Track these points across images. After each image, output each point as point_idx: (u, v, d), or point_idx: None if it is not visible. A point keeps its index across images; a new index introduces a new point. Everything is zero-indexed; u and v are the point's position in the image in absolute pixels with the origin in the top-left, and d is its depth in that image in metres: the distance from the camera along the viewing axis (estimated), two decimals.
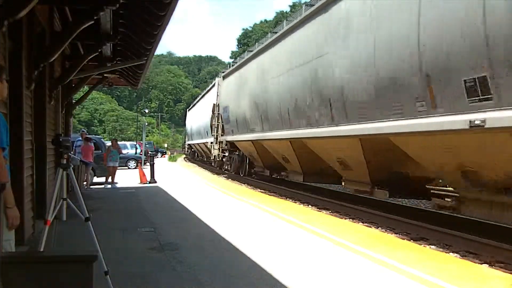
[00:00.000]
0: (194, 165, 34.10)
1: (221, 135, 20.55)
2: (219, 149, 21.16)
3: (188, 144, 42.21)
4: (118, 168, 16.30)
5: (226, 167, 21.08)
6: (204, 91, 31.05)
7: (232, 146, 19.13)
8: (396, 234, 7.47)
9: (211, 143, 22.33)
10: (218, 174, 22.38)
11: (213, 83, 24.81)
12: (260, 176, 17.63)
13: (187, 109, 45.79)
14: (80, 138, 14.89)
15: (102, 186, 14.69)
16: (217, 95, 21.41)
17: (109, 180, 14.96)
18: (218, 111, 20.90)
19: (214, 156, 22.11)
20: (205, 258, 5.32)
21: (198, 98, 35.48)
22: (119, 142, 35.98)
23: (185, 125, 53.35)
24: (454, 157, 6.47)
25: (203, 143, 27.46)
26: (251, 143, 15.75)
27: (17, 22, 5.12)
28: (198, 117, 31.04)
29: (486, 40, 5.22)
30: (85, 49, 8.95)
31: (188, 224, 7.77)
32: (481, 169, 6.20)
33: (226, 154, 20.63)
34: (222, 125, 20.49)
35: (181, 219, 8.27)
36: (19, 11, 4.41)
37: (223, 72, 22.39)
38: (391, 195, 8.76)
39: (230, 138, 18.85)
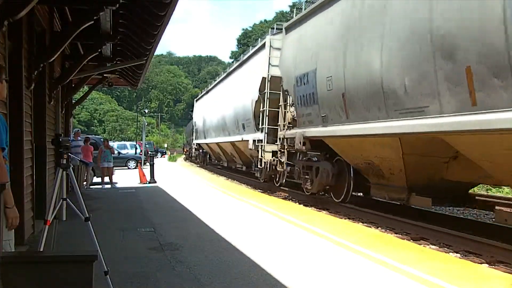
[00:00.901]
0: (194, 165, 34.06)
1: (287, 128, 11.96)
2: (278, 151, 12.66)
3: (197, 144, 30.64)
4: (117, 168, 16.26)
5: (283, 180, 12.91)
6: (233, 66, 19.98)
7: (317, 147, 10.27)
8: (396, 234, 7.47)
9: (258, 141, 13.97)
10: (261, 189, 14.46)
11: (258, 45, 15.17)
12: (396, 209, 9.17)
13: (195, 99, 33.85)
14: (73, 138, 14.85)
15: (100, 186, 14.67)
16: (269, 64, 13.28)
17: (106, 180, 14.91)
18: (279, 88, 12.65)
19: (265, 162, 13.41)
20: (205, 258, 5.32)
21: (219, 79, 23.77)
22: (119, 142, 36.12)
23: (187, 122, 50.36)
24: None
25: (232, 142, 18.50)
26: (395, 141, 7.41)
27: (17, 22, 5.12)
28: (221, 105, 20.74)
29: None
30: (85, 49, 8.95)
31: (188, 224, 7.77)
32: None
33: (283, 159, 12.40)
34: (284, 112, 12.29)
35: (181, 219, 8.27)
36: (19, 11, 4.42)
37: (278, 26, 13.83)
38: None
39: (314, 131, 9.88)
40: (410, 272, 4.74)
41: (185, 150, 50.61)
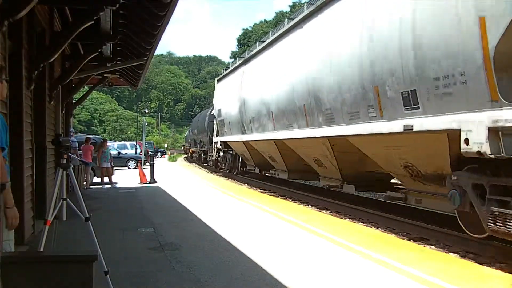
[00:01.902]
0: (194, 165, 34.05)
1: None
2: None
3: (223, 143, 20.11)
4: (117, 168, 16.22)
5: None
6: None
7: None
8: (396, 234, 7.46)
9: None
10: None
11: None
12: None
13: (217, 79, 21.59)
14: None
15: (100, 186, 14.66)
16: None
17: (106, 180, 14.89)
18: None
19: None
20: (205, 258, 5.32)
21: (286, 26, 11.85)
22: (119, 142, 36.04)
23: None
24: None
25: (335, 137, 9.17)
26: None
27: (17, 22, 5.12)
28: (301, 69, 10.25)
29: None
30: (85, 49, 8.96)
31: (188, 224, 7.77)
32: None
33: None
34: None
35: (181, 219, 8.27)
36: (19, 11, 4.42)
37: None
38: None
39: None
40: (410, 272, 4.74)
41: (190, 152, 38.96)
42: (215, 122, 21.58)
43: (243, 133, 16.02)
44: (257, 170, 17.07)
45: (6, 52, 5.04)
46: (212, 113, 23.60)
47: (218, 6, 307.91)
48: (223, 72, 20.79)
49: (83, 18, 6.39)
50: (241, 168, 19.34)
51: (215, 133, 21.94)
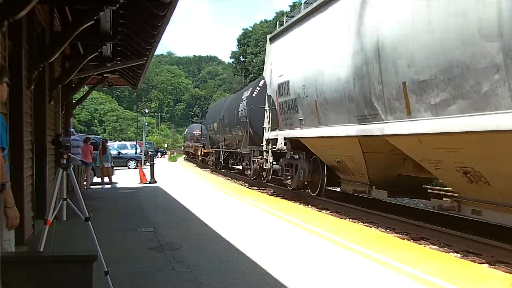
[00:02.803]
0: (194, 165, 34.04)
1: None
2: None
3: (288, 140, 11.70)
4: (118, 168, 16.20)
5: None
6: None
7: None
8: (396, 234, 7.47)
9: None
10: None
11: None
12: None
13: (270, 37, 13.11)
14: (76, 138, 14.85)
15: (100, 186, 14.66)
16: None
17: (106, 180, 14.88)
18: None
19: None
20: (205, 258, 5.32)
21: None
22: (119, 142, 36.03)
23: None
24: None
25: None
26: None
27: (17, 22, 5.12)
28: None
29: None
30: (85, 49, 8.95)
31: (188, 224, 7.77)
32: None
33: None
34: None
35: (181, 219, 8.28)
36: (19, 11, 4.42)
37: None
38: None
39: None
40: (410, 272, 4.73)
41: (201, 153, 29.56)
42: (267, 108, 13.66)
43: (368, 119, 7.84)
44: (378, 194, 8.77)
45: (6, 52, 5.04)
46: (253, 94, 16.63)
47: (218, 6, 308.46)
48: (279, 26, 12.76)
49: (83, 18, 6.39)
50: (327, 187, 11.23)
51: (266, 125, 13.73)
